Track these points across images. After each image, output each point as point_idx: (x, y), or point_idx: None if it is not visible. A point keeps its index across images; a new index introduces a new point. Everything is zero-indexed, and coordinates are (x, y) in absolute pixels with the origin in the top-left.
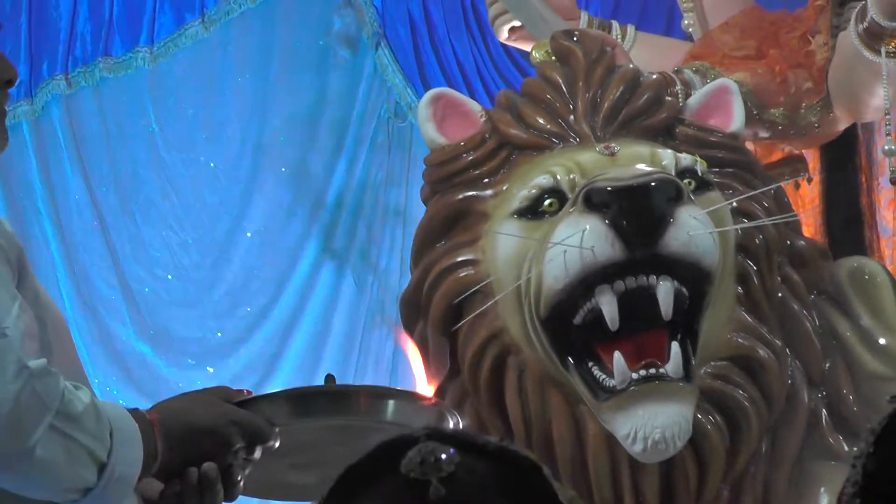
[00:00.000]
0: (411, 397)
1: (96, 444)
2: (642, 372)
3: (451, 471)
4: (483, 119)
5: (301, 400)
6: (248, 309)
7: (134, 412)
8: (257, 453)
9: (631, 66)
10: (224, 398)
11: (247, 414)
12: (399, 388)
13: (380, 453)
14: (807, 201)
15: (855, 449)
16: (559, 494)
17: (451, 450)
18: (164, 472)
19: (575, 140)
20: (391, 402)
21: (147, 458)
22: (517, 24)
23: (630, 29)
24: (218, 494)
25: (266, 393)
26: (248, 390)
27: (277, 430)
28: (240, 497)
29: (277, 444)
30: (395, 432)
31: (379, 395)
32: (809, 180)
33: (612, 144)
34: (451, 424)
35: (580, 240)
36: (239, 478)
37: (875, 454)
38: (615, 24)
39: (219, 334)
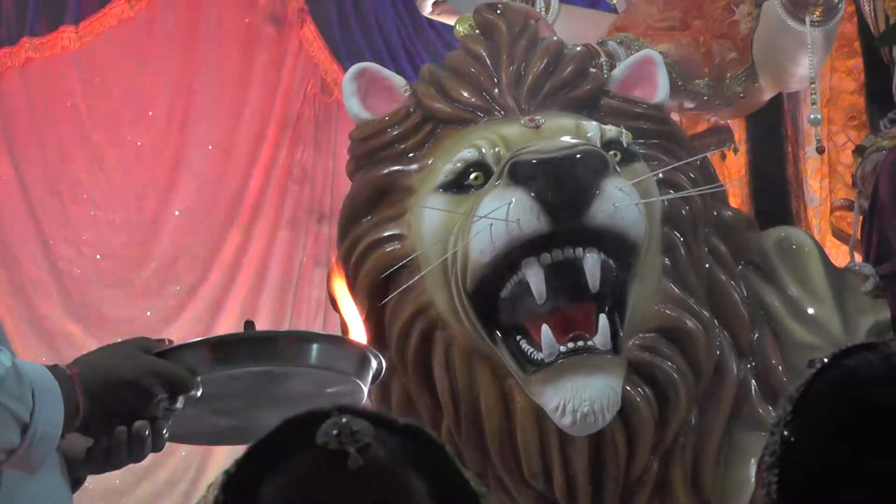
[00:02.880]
0: (334, 341)
1: (19, 405)
2: (570, 345)
3: (367, 442)
4: (407, 93)
5: (222, 347)
6: (177, 287)
7: (53, 368)
8: (179, 403)
9: (555, 38)
10: (144, 349)
11: (167, 364)
12: (321, 332)
13: (291, 427)
14: (733, 172)
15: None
16: (463, 471)
17: (366, 422)
18: (86, 426)
19: (499, 113)
20: (314, 346)
21: (69, 414)
22: None
23: (554, 1)
24: (147, 449)
25: (187, 342)
26: (169, 339)
27: (200, 378)
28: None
29: (200, 393)
30: (316, 375)
31: (301, 339)
32: (735, 151)
33: (537, 117)
34: (374, 366)
35: (506, 213)
36: (164, 429)
37: (794, 421)
38: None
39: (148, 313)
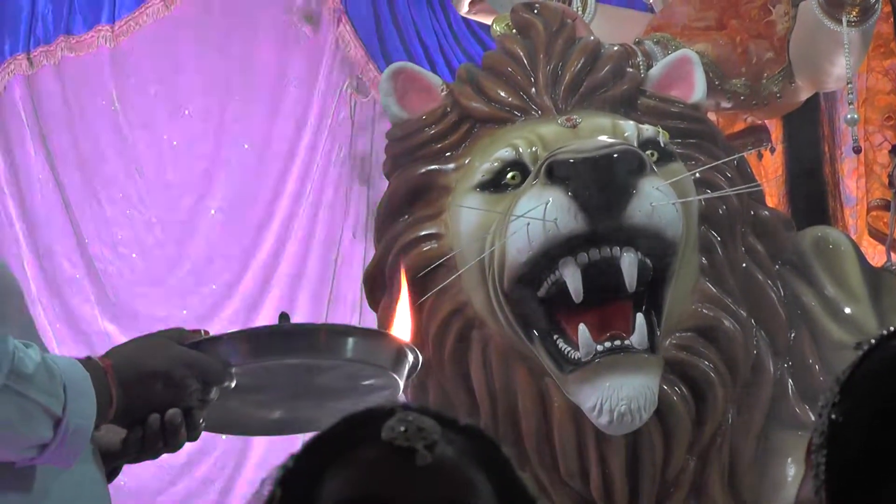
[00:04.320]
0: (369, 334)
1: (50, 399)
2: (607, 344)
3: (434, 439)
4: (444, 93)
5: (257, 339)
6: (213, 286)
7: (86, 361)
8: (214, 394)
9: (592, 37)
10: (178, 340)
11: (200, 355)
12: (357, 326)
13: (353, 422)
14: (770, 171)
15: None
16: (520, 474)
17: (431, 420)
18: (121, 417)
19: (536, 113)
20: (349, 339)
21: (102, 406)
22: None
23: (591, 1)
24: (182, 438)
25: (221, 333)
26: (205, 331)
27: (233, 370)
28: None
29: (233, 385)
30: (351, 369)
31: (336, 332)
32: (772, 150)
33: (574, 116)
34: (411, 360)
35: (543, 212)
36: (200, 420)
37: (841, 403)
38: None
39: (184, 312)
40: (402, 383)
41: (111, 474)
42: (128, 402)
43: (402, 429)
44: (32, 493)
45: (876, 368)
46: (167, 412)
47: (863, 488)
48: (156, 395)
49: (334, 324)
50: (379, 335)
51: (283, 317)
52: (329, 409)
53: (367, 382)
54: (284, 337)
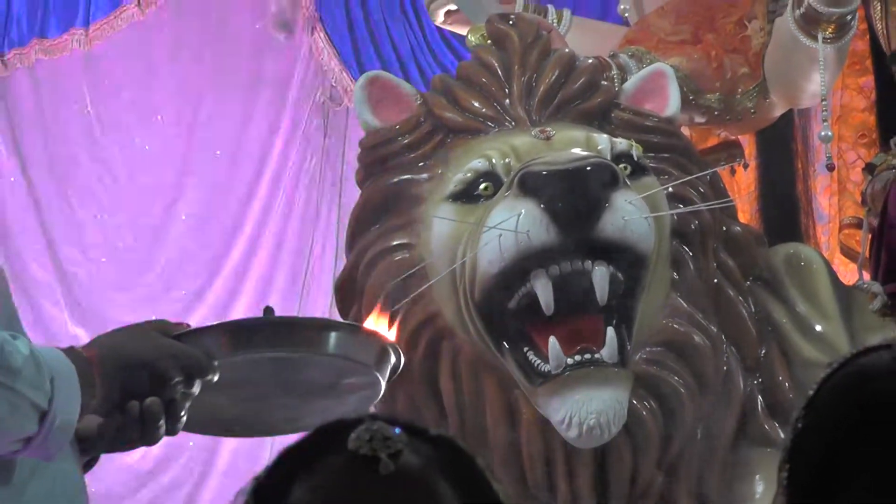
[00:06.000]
0: (353, 330)
1: (37, 393)
2: (577, 357)
3: (399, 448)
4: (418, 102)
5: (241, 332)
6: (183, 292)
7: (69, 351)
8: (196, 387)
9: (567, 50)
10: (163, 331)
11: (185, 347)
12: (341, 321)
13: (323, 432)
14: (743, 187)
15: None
16: (494, 485)
17: (398, 429)
18: (101, 408)
19: (510, 124)
20: (333, 334)
21: (85, 397)
22: (453, 7)
23: (566, 13)
24: (160, 430)
25: (205, 325)
26: (186, 323)
27: (217, 363)
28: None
29: (217, 378)
30: (335, 365)
31: (321, 326)
32: (745, 166)
33: (548, 128)
34: (393, 360)
35: (515, 224)
36: (182, 412)
37: (804, 417)
38: (551, 8)
39: (153, 317)
40: (384, 383)
41: (87, 465)
42: (110, 393)
43: (368, 438)
44: (12, 485)
45: (839, 383)
46: (146, 401)
47: (821, 498)
48: (139, 385)
49: (319, 318)
50: (362, 332)
51: (268, 310)
52: (307, 409)
53: (349, 381)
54: (269, 329)
